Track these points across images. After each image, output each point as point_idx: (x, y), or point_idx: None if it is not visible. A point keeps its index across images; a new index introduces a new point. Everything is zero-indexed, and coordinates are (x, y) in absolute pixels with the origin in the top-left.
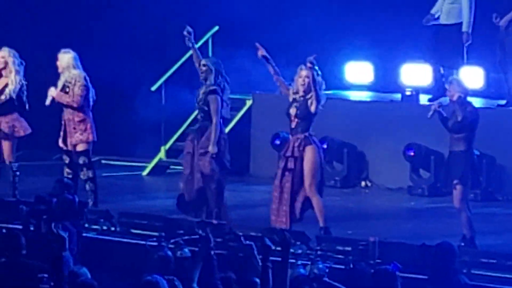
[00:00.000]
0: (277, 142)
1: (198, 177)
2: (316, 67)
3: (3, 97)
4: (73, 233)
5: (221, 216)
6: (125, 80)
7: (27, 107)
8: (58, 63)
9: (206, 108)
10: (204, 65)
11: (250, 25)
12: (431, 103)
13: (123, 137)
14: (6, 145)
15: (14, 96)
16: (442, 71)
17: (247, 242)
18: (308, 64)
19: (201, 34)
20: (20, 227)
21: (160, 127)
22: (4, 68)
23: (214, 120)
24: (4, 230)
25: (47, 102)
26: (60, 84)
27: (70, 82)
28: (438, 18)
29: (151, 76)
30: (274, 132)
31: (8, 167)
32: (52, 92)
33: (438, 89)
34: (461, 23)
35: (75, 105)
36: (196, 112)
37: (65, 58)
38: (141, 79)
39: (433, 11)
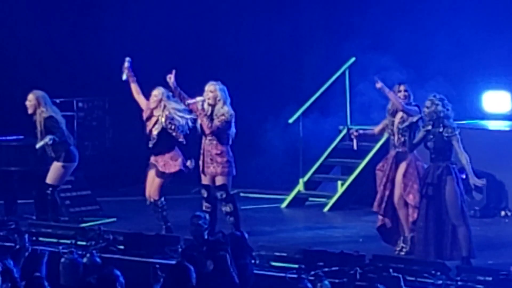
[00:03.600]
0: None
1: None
2: (438, 98)
3: (153, 137)
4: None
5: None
6: (263, 112)
7: (182, 141)
8: (211, 94)
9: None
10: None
11: (386, 56)
12: None
13: (261, 170)
14: (157, 182)
15: (164, 134)
16: None
17: (395, 274)
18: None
19: (338, 66)
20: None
21: (298, 159)
22: (156, 107)
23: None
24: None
25: (191, 101)
26: (207, 108)
27: (216, 115)
28: None
29: (288, 108)
30: None
31: (152, 203)
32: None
33: None
34: None
35: (207, 131)
36: (336, 142)
37: (218, 91)
38: (279, 112)
39: None
